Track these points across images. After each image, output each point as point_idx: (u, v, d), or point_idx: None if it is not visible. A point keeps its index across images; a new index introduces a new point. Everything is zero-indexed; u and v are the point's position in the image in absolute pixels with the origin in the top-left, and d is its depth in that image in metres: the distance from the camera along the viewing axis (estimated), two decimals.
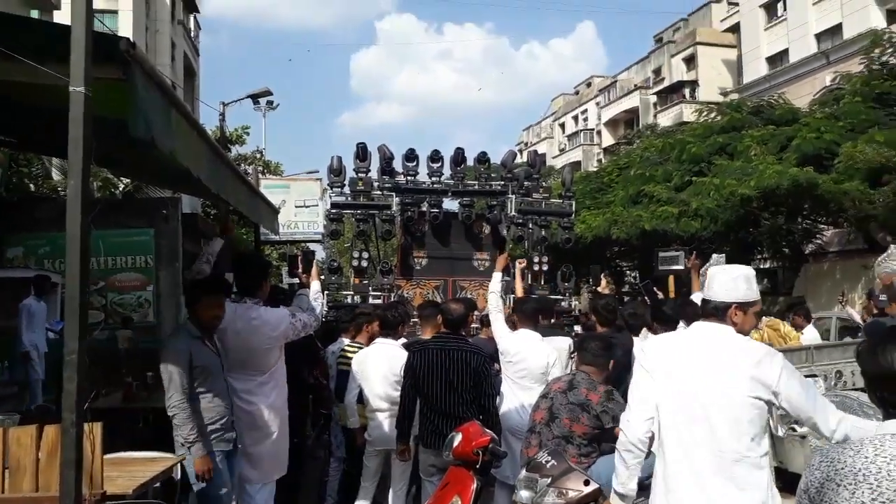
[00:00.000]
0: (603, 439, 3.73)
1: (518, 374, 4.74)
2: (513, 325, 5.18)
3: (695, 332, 2.73)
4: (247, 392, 4.04)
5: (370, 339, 5.54)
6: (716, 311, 2.67)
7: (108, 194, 17.65)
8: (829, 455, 1.71)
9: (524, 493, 3.08)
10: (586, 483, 3.00)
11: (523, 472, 3.18)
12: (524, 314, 5.03)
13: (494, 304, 5.07)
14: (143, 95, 2.46)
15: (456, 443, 3.61)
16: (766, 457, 2.55)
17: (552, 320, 5.61)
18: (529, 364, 4.74)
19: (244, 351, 4.04)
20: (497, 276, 5.24)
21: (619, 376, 5.08)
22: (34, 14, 15.68)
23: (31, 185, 15.49)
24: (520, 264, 6.54)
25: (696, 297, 4.97)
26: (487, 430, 3.65)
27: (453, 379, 4.29)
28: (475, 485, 3.47)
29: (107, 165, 8.83)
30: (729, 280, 2.70)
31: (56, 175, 17.91)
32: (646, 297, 8.47)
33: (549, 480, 3.03)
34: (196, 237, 16.43)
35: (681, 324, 5.15)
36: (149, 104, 2.52)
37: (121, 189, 18.00)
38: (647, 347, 2.82)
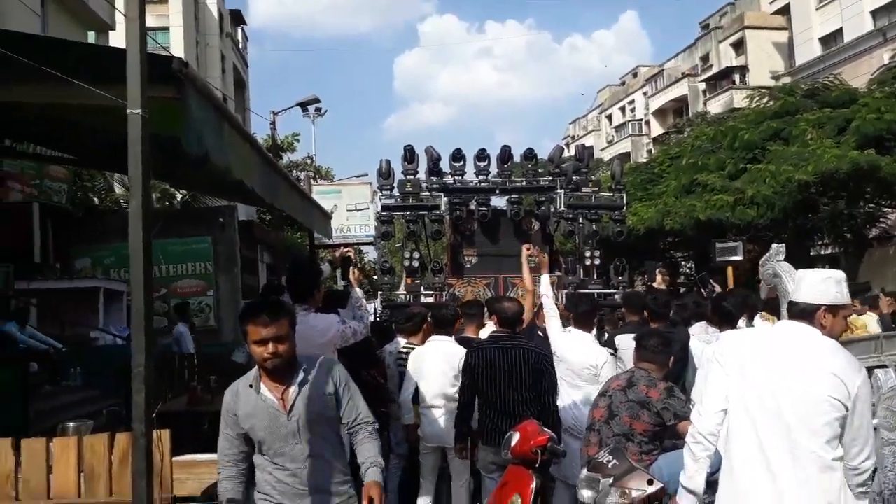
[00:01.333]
0: (664, 437, 3.69)
1: (567, 373, 4.73)
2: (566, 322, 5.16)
3: (778, 331, 2.74)
4: None
5: (425, 339, 5.58)
6: (803, 313, 2.65)
7: (167, 205, 18.24)
8: None
9: (586, 493, 3.06)
10: (650, 482, 2.96)
11: (584, 472, 3.16)
12: (577, 316, 5.02)
13: (549, 307, 5.06)
14: (197, 113, 2.55)
15: (514, 442, 3.62)
16: (840, 461, 2.51)
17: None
18: (575, 362, 4.73)
19: None
20: (545, 279, 5.21)
21: (676, 372, 5.03)
22: (91, 36, 16.27)
23: (95, 199, 16.11)
24: (526, 251, 6.45)
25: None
26: (545, 429, 3.65)
27: (512, 377, 4.29)
28: (534, 483, 3.47)
29: (165, 179, 9.13)
30: (819, 282, 2.68)
31: (118, 188, 18.59)
32: (702, 290, 8.31)
33: (611, 480, 3.00)
34: (252, 243, 16.83)
35: (742, 320, 5.04)
36: (202, 121, 2.61)
37: (178, 199, 18.56)
38: (724, 342, 2.80)
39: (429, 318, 5.73)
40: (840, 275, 2.74)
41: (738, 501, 2.61)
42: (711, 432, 2.64)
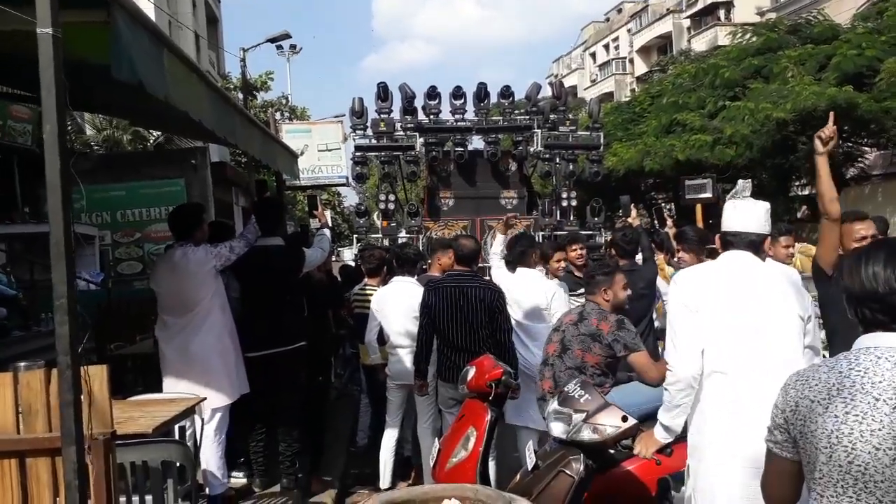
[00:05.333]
0: (616, 368, 3.72)
1: (517, 313, 4.75)
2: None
3: (730, 263, 2.78)
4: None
5: (385, 280, 5.60)
6: (752, 244, 2.76)
7: (139, 148, 17.90)
8: (805, 374, 1.68)
9: (557, 426, 3.02)
10: (624, 419, 2.92)
11: (554, 405, 3.11)
12: (515, 256, 5.04)
13: (494, 261, 5.14)
14: (128, 38, 2.42)
15: (470, 376, 3.65)
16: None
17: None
18: (523, 300, 4.75)
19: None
20: (499, 238, 5.21)
21: (644, 308, 5.06)
22: None
23: None
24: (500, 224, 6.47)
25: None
26: (500, 363, 3.67)
27: (468, 315, 4.34)
28: (489, 416, 3.51)
29: (102, 110, 8.91)
30: (763, 213, 2.83)
31: (89, 130, 18.17)
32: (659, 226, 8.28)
33: (583, 416, 2.96)
34: (227, 185, 16.61)
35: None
36: (135, 47, 2.49)
37: (151, 142, 18.21)
38: (683, 283, 2.82)
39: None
40: (769, 205, 2.92)
41: (710, 433, 2.66)
42: (694, 376, 2.68)
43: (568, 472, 2.95)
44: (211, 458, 4.19)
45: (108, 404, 2.23)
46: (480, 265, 12.31)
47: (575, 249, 5.66)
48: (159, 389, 4.33)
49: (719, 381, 2.66)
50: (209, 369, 4.24)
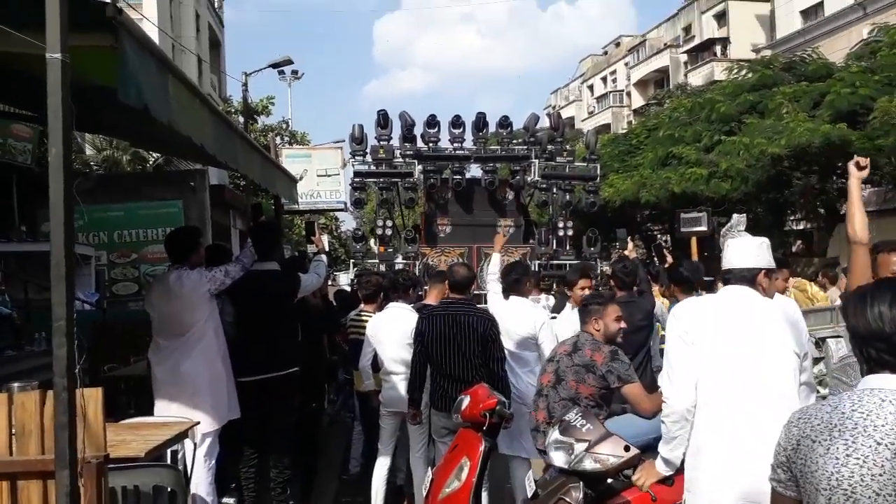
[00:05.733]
0: (610, 400, 3.71)
1: (508, 343, 4.73)
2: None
3: (728, 297, 2.83)
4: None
5: (381, 307, 5.60)
6: (744, 279, 2.81)
7: (138, 169, 17.94)
8: (807, 412, 1.66)
9: (559, 455, 3.00)
10: (626, 449, 2.92)
11: (556, 434, 3.10)
12: (508, 284, 5.01)
13: (492, 285, 5.10)
14: (134, 62, 2.46)
15: (464, 405, 3.64)
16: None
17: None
18: (513, 330, 4.73)
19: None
20: (495, 258, 5.20)
21: (642, 339, 5.08)
22: None
23: None
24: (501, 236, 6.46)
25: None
26: (495, 393, 3.66)
27: (461, 343, 4.33)
28: (483, 446, 3.49)
29: (106, 132, 8.95)
30: (756, 247, 2.89)
31: (89, 150, 18.22)
32: (658, 260, 8.34)
33: (585, 445, 2.96)
34: (224, 208, 16.62)
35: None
36: (141, 72, 2.52)
37: (151, 163, 18.26)
38: (680, 316, 2.84)
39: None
40: (767, 241, 2.98)
41: (709, 460, 2.66)
42: (689, 409, 2.69)
43: (567, 499, 2.95)
44: (201, 483, 4.15)
45: (103, 427, 2.22)
46: (477, 293, 12.29)
47: (583, 287, 5.62)
48: (152, 412, 4.30)
49: (715, 415, 2.66)
50: (200, 392, 4.22)
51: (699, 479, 2.66)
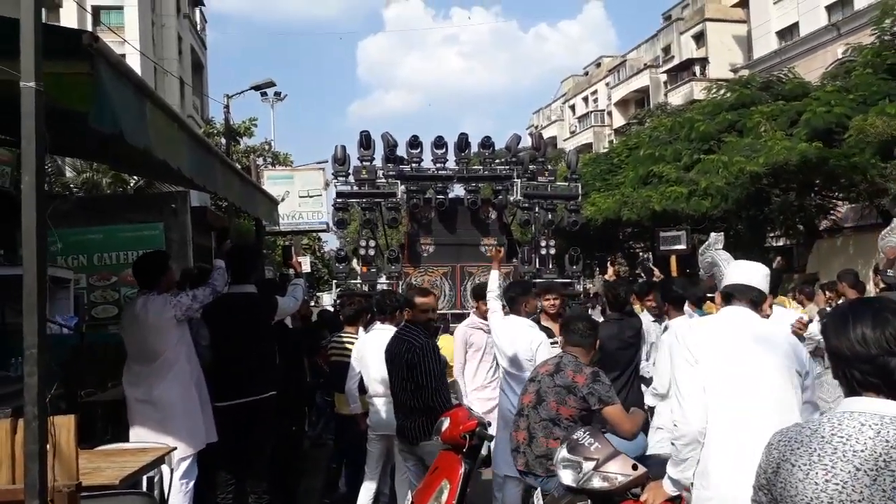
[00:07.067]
0: (591, 421, 3.71)
1: (507, 364, 4.72)
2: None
3: (729, 317, 2.88)
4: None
5: (364, 328, 5.58)
6: (749, 298, 2.88)
7: (119, 191, 17.82)
8: (787, 434, 1.65)
9: (567, 474, 3.01)
10: (634, 467, 2.95)
11: (563, 453, 3.10)
12: (507, 301, 5.02)
13: (492, 303, 5.02)
14: (110, 89, 2.46)
15: (444, 427, 3.62)
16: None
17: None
18: (511, 351, 4.69)
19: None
20: (494, 275, 5.18)
21: (630, 356, 5.15)
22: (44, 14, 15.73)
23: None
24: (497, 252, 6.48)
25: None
26: (476, 414, 3.65)
27: (398, 369, 4.33)
28: (463, 468, 3.48)
29: (80, 156, 8.89)
30: (764, 272, 3.00)
31: (69, 173, 18.08)
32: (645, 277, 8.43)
33: (593, 464, 2.97)
34: (206, 230, 16.53)
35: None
36: (117, 98, 2.53)
37: (132, 185, 18.15)
38: (686, 338, 2.86)
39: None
40: (768, 270, 3.08)
41: (718, 478, 2.67)
42: (701, 431, 2.70)
43: None
44: None
45: (75, 455, 2.19)
46: (459, 311, 12.27)
47: (548, 299, 5.69)
48: (128, 438, 4.25)
49: (720, 434, 2.68)
50: (175, 417, 4.16)
51: (709, 498, 2.67)
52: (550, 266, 12.58)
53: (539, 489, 3.51)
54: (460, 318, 12.19)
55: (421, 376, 4.16)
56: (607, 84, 44.31)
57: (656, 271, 7.34)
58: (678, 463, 2.79)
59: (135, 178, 17.34)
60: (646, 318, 5.71)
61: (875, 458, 1.47)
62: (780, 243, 19.70)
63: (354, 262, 13.94)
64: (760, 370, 2.70)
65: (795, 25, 27.62)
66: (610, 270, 7.25)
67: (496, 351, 4.84)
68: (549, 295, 5.66)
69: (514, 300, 4.96)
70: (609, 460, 2.97)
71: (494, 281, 5.11)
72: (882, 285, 7.02)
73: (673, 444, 2.81)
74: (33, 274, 1.97)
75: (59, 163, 16.43)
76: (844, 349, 1.60)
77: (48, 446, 2.03)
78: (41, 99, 1.95)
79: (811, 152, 13.58)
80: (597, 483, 2.94)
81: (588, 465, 2.97)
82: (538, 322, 5.48)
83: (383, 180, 11.94)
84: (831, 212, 17.91)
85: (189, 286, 4.61)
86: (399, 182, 11.88)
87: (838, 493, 1.47)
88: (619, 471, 2.94)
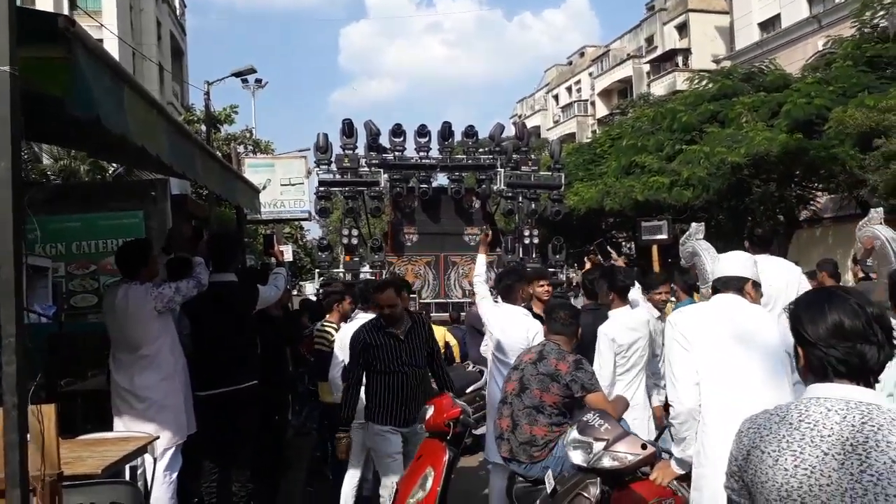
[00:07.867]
0: (574, 408, 3.74)
1: (500, 352, 4.67)
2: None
3: (720, 304, 3.00)
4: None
5: (342, 318, 5.58)
6: (734, 286, 2.99)
7: (97, 178, 17.59)
8: (756, 421, 1.67)
9: (577, 454, 3.10)
10: (643, 447, 3.05)
11: (574, 434, 3.17)
12: (501, 290, 4.97)
13: (480, 288, 4.94)
14: (87, 73, 2.42)
15: (428, 415, 3.63)
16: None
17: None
18: (506, 339, 4.64)
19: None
20: (480, 259, 5.12)
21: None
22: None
23: None
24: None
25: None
26: (459, 402, 3.66)
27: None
28: (447, 456, 3.49)
29: (57, 142, 8.77)
30: (746, 259, 3.11)
31: (46, 159, 17.82)
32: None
33: (603, 444, 3.06)
34: (186, 218, 16.37)
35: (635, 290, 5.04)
36: (95, 83, 2.48)
37: (110, 173, 17.93)
38: (679, 324, 2.98)
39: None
40: (755, 258, 3.22)
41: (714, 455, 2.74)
42: (694, 409, 2.84)
43: (586, 495, 3.06)
44: (161, 498, 4.06)
45: (56, 445, 2.17)
46: (442, 300, 12.25)
47: (542, 285, 5.64)
48: (111, 427, 4.21)
49: (714, 416, 2.79)
50: (158, 407, 4.13)
51: (705, 476, 2.78)
52: (534, 255, 12.62)
53: (549, 469, 3.54)
54: (444, 307, 12.24)
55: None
56: (591, 74, 44.38)
57: (613, 253, 7.12)
58: (679, 442, 2.94)
59: (113, 165, 17.13)
60: (648, 313, 5.25)
61: (842, 442, 1.50)
62: (760, 232, 19.89)
63: (337, 251, 13.87)
64: (752, 352, 2.81)
65: (777, 17, 27.78)
66: (588, 265, 7.20)
67: (487, 337, 4.83)
68: (542, 281, 5.58)
69: (511, 288, 4.82)
70: (619, 440, 3.07)
71: (482, 265, 5.05)
72: (861, 274, 7.12)
73: (671, 423, 2.96)
74: (10, 260, 1.94)
75: (36, 150, 16.19)
76: (822, 334, 1.62)
77: (29, 436, 2.01)
78: (16, 83, 1.92)
79: (791, 143, 13.71)
80: (607, 462, 3.03)
81: (598, 446, 3.07)
82: (530, 310, 5.46)
83: (366, 169, 11.90)
84: (811, 202, 18.11)
85: (168, 273, 4.56)
86: (382, 171, 11.85)
87: (807, 477, 1.50)
88: (629, 450, 3.04)
